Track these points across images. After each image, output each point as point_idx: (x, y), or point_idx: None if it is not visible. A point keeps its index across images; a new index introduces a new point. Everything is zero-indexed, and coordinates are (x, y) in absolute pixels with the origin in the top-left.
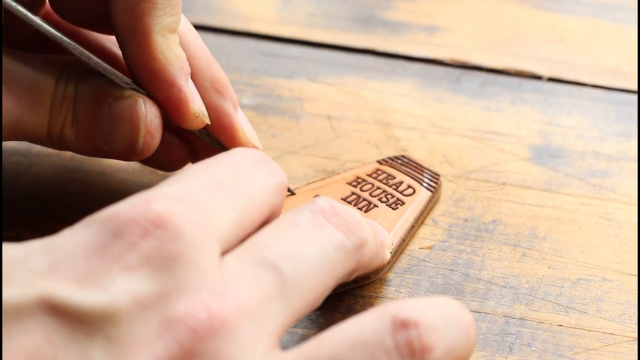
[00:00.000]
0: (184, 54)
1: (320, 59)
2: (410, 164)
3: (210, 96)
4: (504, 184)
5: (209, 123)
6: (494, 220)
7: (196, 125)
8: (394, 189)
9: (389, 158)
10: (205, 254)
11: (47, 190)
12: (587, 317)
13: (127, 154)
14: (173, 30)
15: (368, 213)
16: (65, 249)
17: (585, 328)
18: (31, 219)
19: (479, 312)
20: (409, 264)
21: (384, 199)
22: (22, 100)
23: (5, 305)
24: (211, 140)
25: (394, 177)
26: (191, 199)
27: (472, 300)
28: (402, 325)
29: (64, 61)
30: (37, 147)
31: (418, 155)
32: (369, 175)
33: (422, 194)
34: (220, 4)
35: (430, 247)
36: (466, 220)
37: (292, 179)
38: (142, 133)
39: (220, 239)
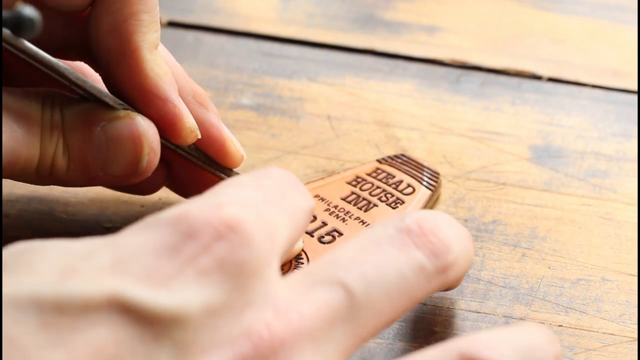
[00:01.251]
0: (169, 69)
1: (320, 59)
2: (410, 163)
3: (195, 110)
4: (503, 184)
5: (200, 137)
6: (494, 221)
7: (190, 139)
8: (393, 188)
9: (389, 157)
10: (270, 266)
11: (47, 190)
12: (587, 318)
13: (126, 177)
14: (157, 46)
15: (367, 212)
16: (132, 246)
17: (585, 328)
18: (31, 219)
19: (479, 313)
20: None
21: (383, 198)
22: (14, 132)
23: (72, 299)
24: (199, 155)
25: (394, 176)
26: (258, 208)
27: (471, 301)
28: None
29: (44, 91)
30: None
31: (418, 156)
32: (369, 175)
33: (422, 193)
34: (220, 4)
35: None
36: (466, 220)
37: None
38: (146, 150)
39: (279, 253)
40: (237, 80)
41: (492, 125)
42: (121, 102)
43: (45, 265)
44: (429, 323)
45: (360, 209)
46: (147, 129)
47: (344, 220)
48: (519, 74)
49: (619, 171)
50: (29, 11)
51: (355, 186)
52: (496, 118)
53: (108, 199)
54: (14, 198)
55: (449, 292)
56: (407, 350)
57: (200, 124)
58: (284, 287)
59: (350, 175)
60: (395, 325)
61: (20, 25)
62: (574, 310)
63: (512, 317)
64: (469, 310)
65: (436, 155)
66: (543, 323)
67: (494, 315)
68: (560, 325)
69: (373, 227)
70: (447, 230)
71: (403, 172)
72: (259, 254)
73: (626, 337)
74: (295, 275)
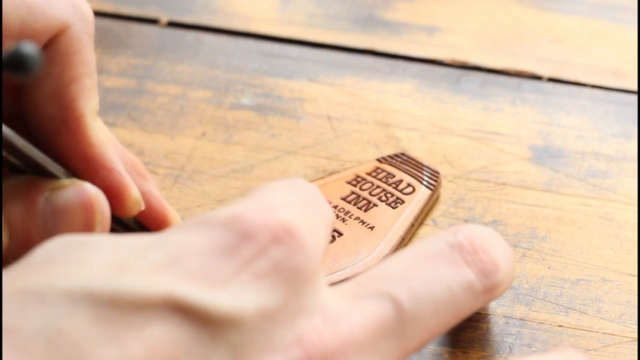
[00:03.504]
0: (111, 138)
1: (320, 59)
2: (410, 162)
3: (135, 180)
4: (503, 184)
5: (144, 208)
6: (494, 221)
7: (135, 211)
8: (393, 187)
9: (389, 156)
10: (320, 273)
11: None
12: (587, 318)
13: None
14: (97, 112)
15: (367, 212)
16: (186, 245)
17: (585, 328)
18: None
19: (479, 313)
20: None
21: (383, 198)
22: None
23: (127, 295)
24: (137, 226)
25: (394, 176)
26: (306, 214)
27: None
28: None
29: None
30: None
31: (418, 155)
32: (369, 174)
33: (422, 193)
34: (220, 4)
35: None
36: (466, 220)
37: None
38: (99, 218)
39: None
40: (237, 80)
41: (492, 125)
42: (65, 171)
43: (98, 260)
44: None
45: (360, 208)
46: (97, 195)
47: (343, 220)
48: (519, 74)
49: (619, 171)
50: (30, 48)
51: (355, 186)
52: (496, 118)
53: None
54: None
55: None
56: None
57: (142, 195)
58: (333, 296)
59: (350, 175)
60: None
61: (20, 65)
62: (574, 311)
63: (512, 317)
64: None
65: (436, 155)
66: (543, 323)
67: (494, 315)
68: (560, 326)
69: (424, 240)
70: (497, 248)
71: (403, 171)
72: (313, 260)
73: (626, 337)
74: (345, 285)
